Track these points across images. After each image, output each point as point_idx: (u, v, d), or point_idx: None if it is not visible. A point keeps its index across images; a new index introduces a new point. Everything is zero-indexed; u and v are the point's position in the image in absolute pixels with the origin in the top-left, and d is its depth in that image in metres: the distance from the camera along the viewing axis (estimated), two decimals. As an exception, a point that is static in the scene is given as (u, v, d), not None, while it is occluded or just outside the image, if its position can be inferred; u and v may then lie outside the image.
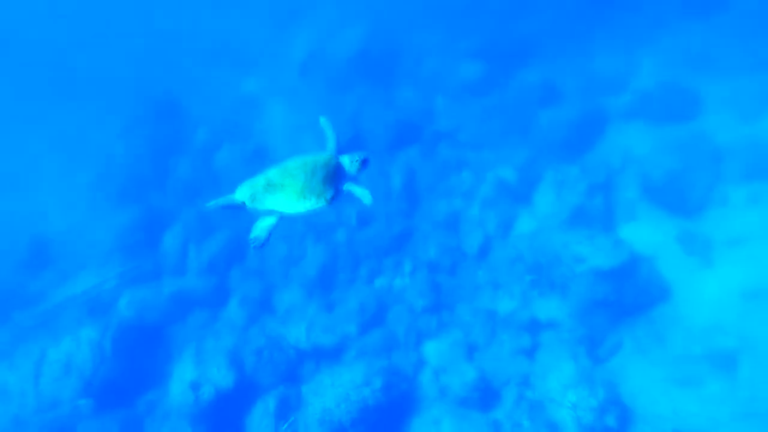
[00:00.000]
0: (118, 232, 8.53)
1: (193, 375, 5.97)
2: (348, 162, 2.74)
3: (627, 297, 6.93)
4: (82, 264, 8.47)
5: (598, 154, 9.29)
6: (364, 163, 2.79)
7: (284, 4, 13.69)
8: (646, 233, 7.65)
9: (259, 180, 2.57)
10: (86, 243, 8.77)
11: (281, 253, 8.02)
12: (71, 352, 5.84)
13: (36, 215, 9.45)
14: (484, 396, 6.37)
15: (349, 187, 2.68)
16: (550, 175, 8.71)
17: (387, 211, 8.83)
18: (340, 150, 2.87)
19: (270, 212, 2.53)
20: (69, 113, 12.01)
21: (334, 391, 5.89)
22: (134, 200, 9.20)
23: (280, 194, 2.50)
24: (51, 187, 10.16)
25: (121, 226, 8.54)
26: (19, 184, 10.67)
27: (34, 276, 8.56)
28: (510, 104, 10.72)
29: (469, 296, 7.62)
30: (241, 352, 6.38)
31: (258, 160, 9.61)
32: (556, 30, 12.14)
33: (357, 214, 8.65)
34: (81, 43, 14.46)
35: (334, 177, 2.62)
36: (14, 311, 7.53)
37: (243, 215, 2.66)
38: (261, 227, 2.52)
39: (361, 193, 2.68)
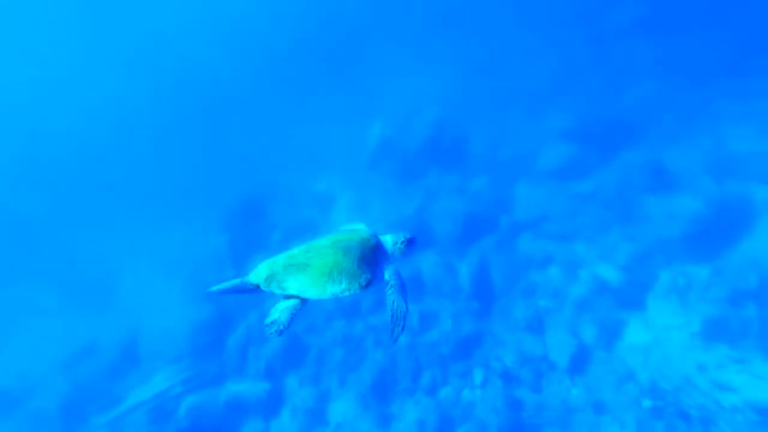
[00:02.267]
0: (190, 333, 8.87)
1: None
2: (391, 242, 2.38)
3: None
4: (160, 367, 8.94)
5: (742, 253, 7.30)
6: (411, 243, 2.43)
7: (360, 99, 14.48)
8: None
9: (280, 259, 2.25)
10: (169, 345, 9.40)
11: (338, 357, 7.48)
12: None
13: (131, 319, 10.54)
14: None
15: (389, 276, 2.24)
16: (668, 276, 7.08)
17: (454, 311, 7.90)
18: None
19: (291, 296, 2.18)
20: (160, 219, 12.74)
21: None
22: (211, 302, 9.52)
23: (304, 275, 2.15)
24: (147, 289, 11.22)
25: (194, 328, 8.99)
26: (117, 289, 11.58)
27: (121, 378, 9.24)
28: (608, 192, 9.54)
29: (560, 419, 5.92)
30: None
31: None
32: (668, 102, 10.97)
33: (419, 314, 7.89)
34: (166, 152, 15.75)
35: (373, 258, 2.24)
36: (92, 414, 8.01)
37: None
38: (281, 310, 2.18)
39: (396, 297, 2.17)
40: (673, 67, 11.49)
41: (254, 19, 20.11)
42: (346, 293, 2.14)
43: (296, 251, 2.26)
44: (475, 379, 6.66)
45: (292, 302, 2.18)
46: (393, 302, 2.22)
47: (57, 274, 12.90)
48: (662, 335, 6.55)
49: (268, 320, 2.16)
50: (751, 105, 9.68)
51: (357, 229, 2.45)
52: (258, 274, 2.25)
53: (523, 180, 10.98)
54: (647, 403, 5.83)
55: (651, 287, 7.19)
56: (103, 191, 15.30)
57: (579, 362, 6.63)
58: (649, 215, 8.62)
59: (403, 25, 16.88)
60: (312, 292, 2.14)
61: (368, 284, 2.19)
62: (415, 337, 7.58)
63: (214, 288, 2.22)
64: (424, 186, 11.03)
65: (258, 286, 2.23)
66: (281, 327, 2.11)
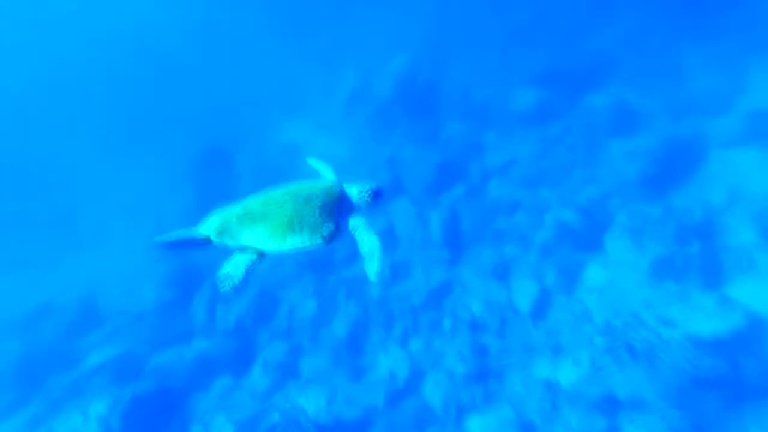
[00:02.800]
0: (154, 290, 8.55)
1: None
2: (356, 193, 2.16)
3: (747, 374, 5.18)
4: (123, 325, 8.65)
5: (691, 191, 7.64)
6: (377, 195, 2.21)
7: (331, 46, 13.79)
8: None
9: (234, 209, 2.03)
10: (132, 302, 9.02)
11: (311, 311, 7.47)
12: (78, 429, 5.46)
13: (92, 275, 10.00)
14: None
15: (355, 223, 2.06)
16: (624, 217, 7.28)
17: (424, 261, 7.94)
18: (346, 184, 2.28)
19: (246, 249, 1.99)
20: (123, 159, 12.28)
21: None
22: (175, 256, 9.08)
23: (261, 226, 1.95)
24: (107, 243, 10.83)
25: (158, 284, 8.64)
26: (75, 243, 11.05)
27: (81, 338, 8.90)
28: (574, 135, 9.55)
29: (522, 362, 6.28)
30: (255, 430, 5.73)
31: None
32: (631, 46, 10.90)
33: (391, 265, 7.88)
34: (136, 88, 15.40)
35: (335, 208, 2.04)
36: (50, 376, 7.74)
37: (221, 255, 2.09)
38: (234, 264, 1.98)
39: (366, 235, 2.00)
40: (640, 9, 11.14)
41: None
42: (307, 246, 1.97)
43: (252, 201, 2.04)
44: (444, 328, 6.88)
45: (247, 256, 1.99)
46: (363, 239, 2.04)
47: (9, 227, 11.98)
48: (617, 275, 6.88)
49: (220, 273, 1.96)
50: (713, 45, 9.64)
51: (320, 179, 2.22)
52: (209, 225, 2.03)
53: (494, 125, 10.79)
54: (599, 340, 6.22)
55: (608, 228, 7.41)
56: (67, 137, 14.21)
57: (541, 307, 6.90)
58: (611, 157, 8.74)
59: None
60: (270, 244, 1.96)
61: (331, 237, 2.02)
62: (388, 288, 7.62)
63: (161, 238, 1.99)
64: (397, 134, 10.63)
65: (209, 238, 2.02)
66: (235, 282, 1.95)
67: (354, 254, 8.32)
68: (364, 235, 2.06)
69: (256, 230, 1.96)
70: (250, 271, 1.96)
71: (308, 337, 7.18)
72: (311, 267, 8.14)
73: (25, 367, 8.07)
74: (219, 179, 10.58)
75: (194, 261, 8.96)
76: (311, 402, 6.10)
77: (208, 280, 8.24)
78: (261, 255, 2.02)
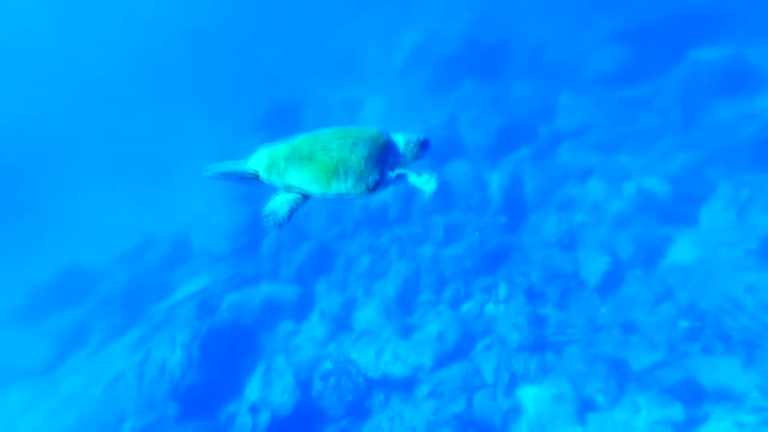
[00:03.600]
0: (230, 234, 9.02)
1: (257, 395, 5.59)
2: (402, 142, 2.04)
3: None
4: (206, 263, 9.33)
5: None
6: (423, 146, 2.07)
7: (393, 8, 13.28)
8: None
9: (282, 147, 1.96)
10: (214, 244, 9.67)
11: (364, 265, 7.36)
12: (166, 355, 6.00)
13: (180, 214, 10.89)
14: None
15: (402, 172, 1.96)
16: (728, 188, 6.10)
17: (481, 225, 7.39)
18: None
19: (292, 188, 1.92)
20: (197, 114, 13.24)
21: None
22: (247, 203, 9.52)
23: (307, 169, 1.88)
24: (197, 188, 11.69)
25: (234, 229, 9.09)
26: (172, 187, 12.31)
27: (174, 271, 9.79)
28: (667, 96, 8.19)
29: (584, 338, 5.64)
30: (310, 375, 5.82)
31: None
32: None
33: (444, 226, 7.45)
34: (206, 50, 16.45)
35: (382, 157, 1.93)
36: (149, 304, 8.62)
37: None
38: (281, 202, 1.93)
39: (422, 180, 1.92)
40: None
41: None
42: (351, 193, 1.89)
43: (299, 141, 1.95)
44: (498, 294, 6.38)
45: (293, 195, 1.93)
46: (411, 177, 1.95)
47: (121, 173, 13.57)
48: (711, 253, 5.82)
49: (266, 210, 1.91)
50: None
51: (368, 126, 2.11)
52: (257, 160, 1.96)
53: (568, 86, 9.63)
54: (684, 324, 5.38)
55: (706, 199, 6.29)
56: (158, 99, 15.43)
57: (611, 281, 6.10)
58: (715, 121, 7.36)
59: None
60: (315, 187, 1.89)
61: (376, 186, 1.91)
62: (440, 249, 7.24)
63: (211, 168, 1.95)
64: (458, 95, 9.79)
65: (257, 175, 1.96)
66: (279, 220, 1.89)
67: (407, 213, 8.02)
68: (414, 174, 1.95)
69: (302, 172, 1.89)
70: (294, 210, 1.91)
71: (362, 291, 7.10)
72: (367, 223, 7.99)
73: (130, 295, 9.06)
74: (287, 130, 10.66)
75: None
76: (362, 355, 6.05)
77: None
78: (306, 196, 1.95)
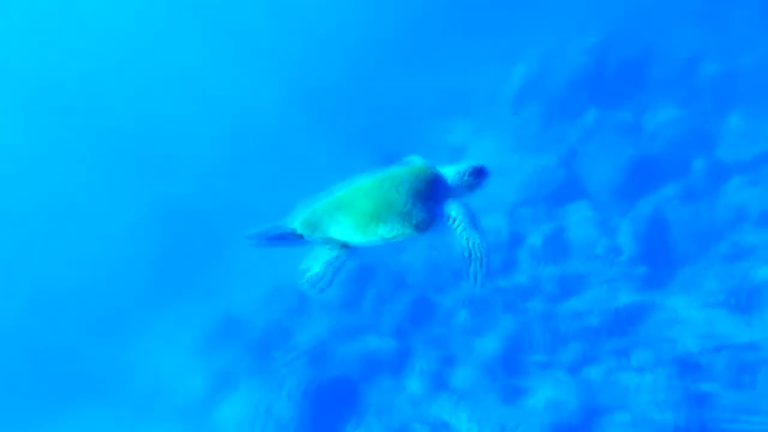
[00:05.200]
0: (341, 284, 9.67)
1: None
2: (453, 173, 1.97)
3: None
4: (321, 313, 10.10)
5: None
6: (479, 174, 1.98)
7: (502, 38, 12.67)
8: None
9: (322, 201, 1.96)
10: (328, 294, 10.29)
11: (463, 319, 6.97)
12: (281, 406, 6.60)
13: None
14: None
15: (452, 209, 1.87)
16: None
17: (609, 277, 6.34)
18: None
19: (334, 243, 1.89)
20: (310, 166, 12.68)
21: None
22: (358, 253, 10.18)
23: (346, 216, 1.84)
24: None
25: (344, 278, 9.70)
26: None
27: (297, 319, 10.77)
28: None
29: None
30: None
31: None
32: None
33: (558, 277, 6.64)
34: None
35: (430, 193, 1.87)
36: (273, 349, 9.58)
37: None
38: (319, 260, 1.87)
39: (464, 224, 1.82)
40: None
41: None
42: (397, 236, 1.81)
43: (338, 191, 1.95)
44: (632, 361, 5.21)
45: (334, 252, 1.88)
46: (462, 234, 1.83)
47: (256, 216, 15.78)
48: None
49: (303, 265, 1.87)
50: None
51: (411, 162, 2.09)
52: (296, 217, 1.97)
53: (737, 107, 8.08)
54: None
55: None
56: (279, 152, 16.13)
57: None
58: None
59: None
60: (356, 235, 1.83)
61: (424, 224, 1.82)
62: (554, 304, 6.43)
63: (252, 231, 1.96)
64: (579, 128, 8.87)
65: (295, 232, 1.94)
66: (320, 282, 1.83)
67: (512, 262, 7.45)
68: (465, 227, 1.84)
69: (341, 221, 1.85)
70: (337, 270, 1.86)
71: (462, 348, 6.72)
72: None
73: (265, 340, 9.87)
74: None
75: (369, 259, 9.84)
76: (461, 421, 5.60)
77: (377, 278, 8.85)
78: (348, 248, 1.90)
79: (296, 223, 1.93)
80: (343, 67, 16.88)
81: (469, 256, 1.82)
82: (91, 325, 13.24)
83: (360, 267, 9.68)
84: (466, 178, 1.96)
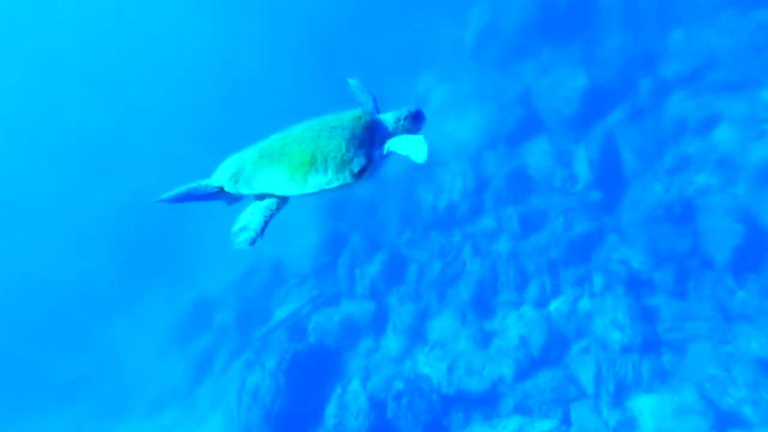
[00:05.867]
0: (313, 254, 9.66)
1: (332, 421, 5.79)
2: (392, 120, 1.90)
3: None
4: (295, 285, 10.25)
5: None
6: (416, 117, 1.94)
7: None
8: None
9: (249, 152, 1.82)
10: (301, 265, 10.62)
11: (436, 271, 7.25)
12: (258, 381, 6.60)
13: (279, 234, 11.86)
14: None
15: (391, 146, 1.82)
16: None
17: (566, 207, 6.66)
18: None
19: (264, 196, 1.79)
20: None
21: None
22: (331, 220, 10.00)
23: (279, 167, 1.72)
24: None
25: (315, 249, 9.72)
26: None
27: (271, 295, 10.98)
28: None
29: (715, 333, 4.64)
30: (385, 395, 5.80)
31: (422, 167, 8.79)
32: None
33: (520, 215, 6.92)
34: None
35: (368, 138, 1.79)
36: (252, 329, 9.78)
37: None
38: (251, 213, 1.76)
39: (409, 145, 1.77)
40: None
41: None
42: (335, 184, 1.71)
43: (270, 141, 1.82)
44: (593, 287, 5.60)
45: (264, 203, 1.77)
46: (394, 143, 1.83)
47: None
48: None
49: (235, 227, 1.71)
50: None
51: (349, 109, 1.98)
52: (222, 172, 1.81)
53: (680, 24, 8.17)
54: None
55: None
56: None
57: (750, 255, 4.90)
58: None
59: None
60: (290, 186, 1.72)
61: (363, 170, 1.73)
62: (517, 241, 6.73)
63: (165, 195, 1.80)
64: (533, 66, 8.99)
65: (222, 189, 1.81)
66: (252, 234, 1.67)
67: (479, 207, 7.68)
68: (400, 142, 1.80)
69: (273, 173, 1.73)
70: (267, 220, 1.73)
71: (435, 299, 7.04)
72: (436, 224, 7.91)
73: (241, 319, 10.20)
74: None
75: (340, 226, 9.93)
76: (434, 370, 5.93)
77: (348, 243, 8.98)
78: (281, 201, 1.80)
79: (221, 178, 1.79)
80: (306, 31, 16.59)
81: (409, 142, 1.79)
82: (65, 320, 13.07)
83: (332, 232, 9.77)
84: (402, 122, 1.91)
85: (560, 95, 7.98)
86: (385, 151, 1.82)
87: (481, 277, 6.59)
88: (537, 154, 7.57)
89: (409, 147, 1.75)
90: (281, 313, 9.50)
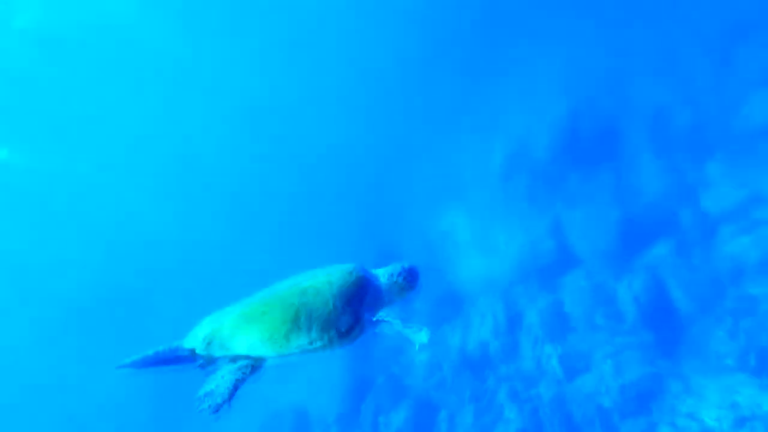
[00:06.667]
0: (337, 401, 9.09)
1: None
2: (385, 276, 1.84)
3: None
4: None
5: None
6: (411, 275, 1.85)
7: (480, 118, 12.85)
8: None
9: (228, 312, 1.73)
10: (326, 411, 9.86)
11: (468, 417, 6.48)
12: None
13: (303, 383, 10.46)
14: None
15: (388, 319, 1.72)
16: None
17: (614, 349, 6.07)
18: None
19: (239, 358, 1.67)
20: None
21: None
22: (356, 361, 9.40)
23: (258, 326, 1.62)
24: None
25: (340, 395, 9.06)
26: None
27: None
28: None
29: None
30: None
31: (449, 305, 8.82)
32: None
33: (560, 356, 6.36)
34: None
35: (356, 295, 1.72)
36: None
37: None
38: (221, 376, 1.61)
39: (411, 330, 1.69)
40: None
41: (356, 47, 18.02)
42: (318, 344, 1.59)
43: (251, 300, 1.74)
44: None
45: (238, 364, 1.64)
46: (399, 327, 1.71)
47: None
48: None
49: (201, 392, 1.55)
50: None
51: (338, 264, 1.95)
52: (195, 334, 1.69)
53: (715, 153, 7.83)
54: None
55: None
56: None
57: None
58: None
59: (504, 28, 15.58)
60: (269, 347, 1.58)
61: (350, 330, 1.63)
62: (561, 386, 6.06)
63: (127, 361, 1.67)
64: (562, 195, 8.95)
65: (194, 352, 1.68)
66: (218, 400, 1.51)
67: (513, 347, 7.19)
68: (398, 321, 1.70)
69: (251, 333, 1.61)
70: (238, 385, 1.57)
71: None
72: (466, 366, 7.37)
73: None
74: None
75: (363, 371, 9.45)
76: None
77: (371, 389, 8.47)
78: (257, 363, 1.66)
79: (194, 341, 1.68)
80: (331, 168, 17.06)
81: (405, 326, 1.68)
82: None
83: (356, 375, 9.33)
84: (396, 278, 1.83)
85: (594, 227, 7.95)
86: (376, 318, 1.71)
87: (522, 426, 5.84)
88: (573, 290, 7.27)
89: (410, 330, 1.66)
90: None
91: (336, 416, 8.78)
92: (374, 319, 1.72)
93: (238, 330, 1.65)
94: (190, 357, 1.70)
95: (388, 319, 1.72)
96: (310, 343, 1.61)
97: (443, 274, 9.56)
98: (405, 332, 1.69)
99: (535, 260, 8.15)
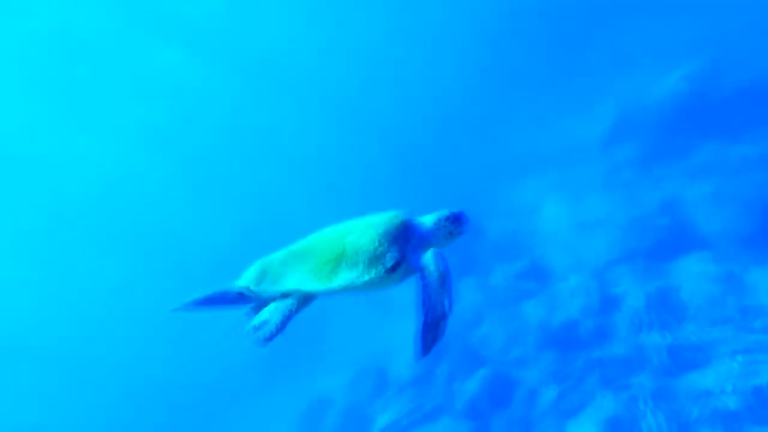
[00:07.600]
0: (410, 361, 9.24)
1: None
2: (432, 221, 1.82)
3: None
4: (393, 395, 9.56)
5: None
6: (458, 220, 1.82)
7: (588, 81, 11.86)
8: None
9: (278, 253, 1.85)
10: (401, 372, 10.01)
11: (550, 396, 6.02)
12: None
13: (386, 344, 10.67)
14: None
15: (427, 258, 1.70)
16: None
17: (742, 346, 5.12)
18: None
19: (289, 294, 1.76)
20: None
21: None
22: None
23: (306, 263, 1.71)
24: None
25: (411, 356, 9.19)
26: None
27: (376, 400, 9.65)
28: None
29: None
30: None
31: (534, 278, 8.25)
32: None
33: (669, 348, 5.52)
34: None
35: (402, 234, 1.74)
36: None
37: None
38: (272, 310, 1.72)
39: (435, 277, 1.63)
40: None
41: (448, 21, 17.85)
42: (364, 279, 1.62)
43: (300, 242, 1.83)
44: None
45: (288, 300, 1.73)
46: (427, 296, 1.65)
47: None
48: None
49: (255, 322, 1.67)
50: None
51: (382, 213, 1.95)
52: (248, 274, 1.82)
53: None
54: None
55: None
56: None
57: None
58: None
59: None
60: (315, 282, 1.66)
61: (396, 266, 1.62)
62: (668, 378, 5.28)
63: (184, 303, 1.78)
64: (684, 167, 7.92)
65: (248, 289, 1.79)
66: (272, 330, 1.61)
67: (606, 330, 6.45)
68: (431, 288, 1.62)
69: (300, 269, 1.71)
70: (288, 318, 1.67)
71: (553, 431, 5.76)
72: (553, 343, 6.84)
73: (346, 425, 9.98)
74: (472, 246, 9.90)
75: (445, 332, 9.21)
76: None
77: (447, 355, 8.32)
78: (306, 299, 1.75)
79: (246, 279, 1.77)
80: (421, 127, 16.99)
81: (426, 318, 1.59)
82: (190, 412, 13.09)
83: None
84: (443, 224, 1.81)
85: (728, 205, 6.84)
86: (423, 260, 1.70)
87: (614, 414, 5.27)
88: (694, 275, 6.31)
89: (438, 293, 1.63)
90: (381, 421, 8.98)
91: (412, 378, 8.82)
92: (423, 262, 1.72)
93: (288, 266, 1.76)
94: (243, 298, 1.81)
95: (431, 269, 1.68)
96: (357, 277, 1.66)
97: (528, 248, 8.99)
98: (431, 290, 1.65)
99: (643, 239, 7.32)
